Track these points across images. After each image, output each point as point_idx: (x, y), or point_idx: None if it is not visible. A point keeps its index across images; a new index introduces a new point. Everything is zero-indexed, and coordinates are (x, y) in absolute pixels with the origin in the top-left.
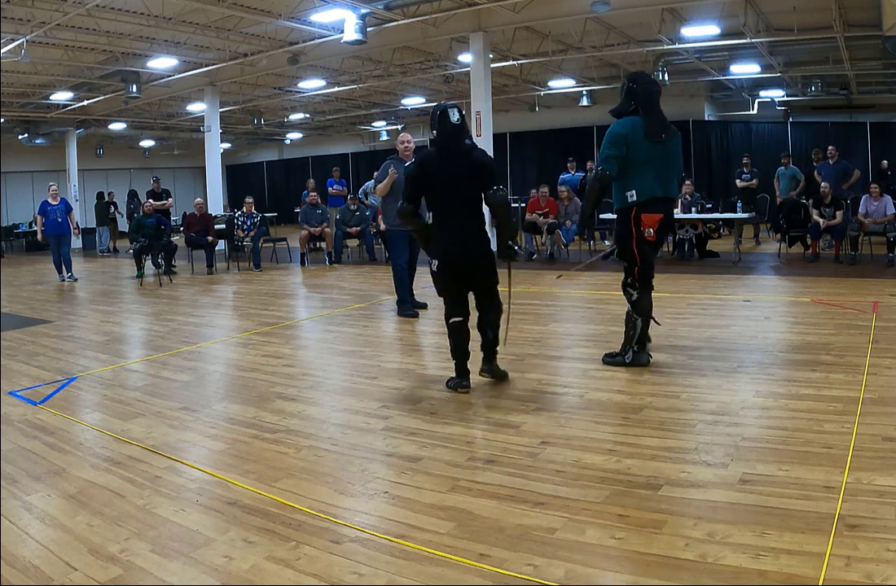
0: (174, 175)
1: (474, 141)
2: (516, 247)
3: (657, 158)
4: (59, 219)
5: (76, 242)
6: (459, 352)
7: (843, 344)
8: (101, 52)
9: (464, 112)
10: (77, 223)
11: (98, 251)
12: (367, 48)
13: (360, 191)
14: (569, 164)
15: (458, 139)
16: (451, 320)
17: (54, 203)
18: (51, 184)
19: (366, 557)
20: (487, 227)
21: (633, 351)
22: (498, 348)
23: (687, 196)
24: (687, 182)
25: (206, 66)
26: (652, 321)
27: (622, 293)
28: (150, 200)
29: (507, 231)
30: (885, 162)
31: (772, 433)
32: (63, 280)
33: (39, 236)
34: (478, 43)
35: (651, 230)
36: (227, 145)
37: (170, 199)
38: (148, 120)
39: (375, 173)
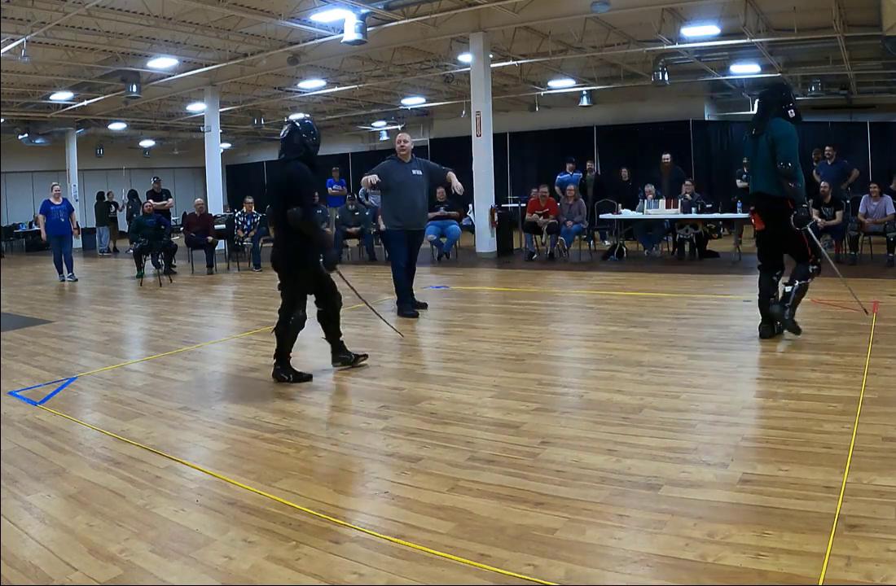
0: (174, 175)
1: (301, 155)
2: (326, 259)
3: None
4: (62, 219)
5: (76, 242)
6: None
7: (843, 344)
8: (101, 52)
9: (298, 126)
10: (77, 224)
11: (98, 251)
12: (367, 48)
13: (361, 191)
14: (568, 166)
15: (281, 153)
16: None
17: (57, 203)
18: (53, 183)
19: (366, 557)
20: None
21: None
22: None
23: (687, 196)
24: (687, 182)
25: (206, 66)
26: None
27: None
28: (150, 200)
29: (316, 245)
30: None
31: (772, 433)
32: (63, 280)
33: (43, 235)
34: (478, 43)
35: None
36: (227, 145)
37: (170, 200)
38: (148, 120)
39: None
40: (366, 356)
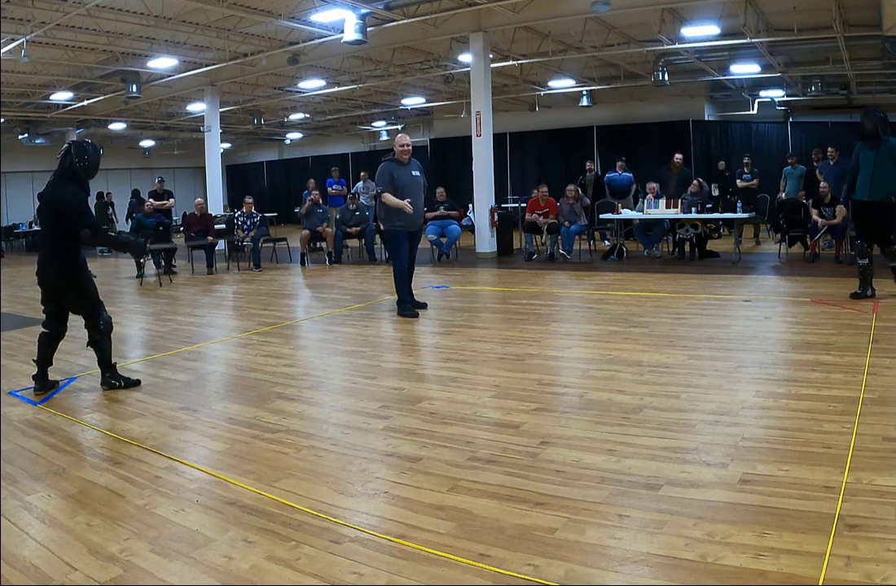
0: (174, 175)
1: (71, 178)
2: (133, 251)
3: None
4: None
5: None
6: (40, 359)
7: (843, 344)
8: (101, 52)
9: (71, 149)
10: None
11: (98, 251)
12: (367, 48)
13: (353, 191)
14: (618, 164)
15: (55, 173)
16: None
17: None
18: None
19: (366, 557)
20: None
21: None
22: (108, 364)
23: (687, 195)
24: (695, 181)
25: (206, 66)
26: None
27: (891, 255)
28: (151, 200)
29: (122, 250)
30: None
31: (772, 433)
32: None
33: None
34: (478, 43)
35: None
36: (227, 145)
37: (171, 200)
38: (148, 120)
39: (362, 173)
40: (139, 381)
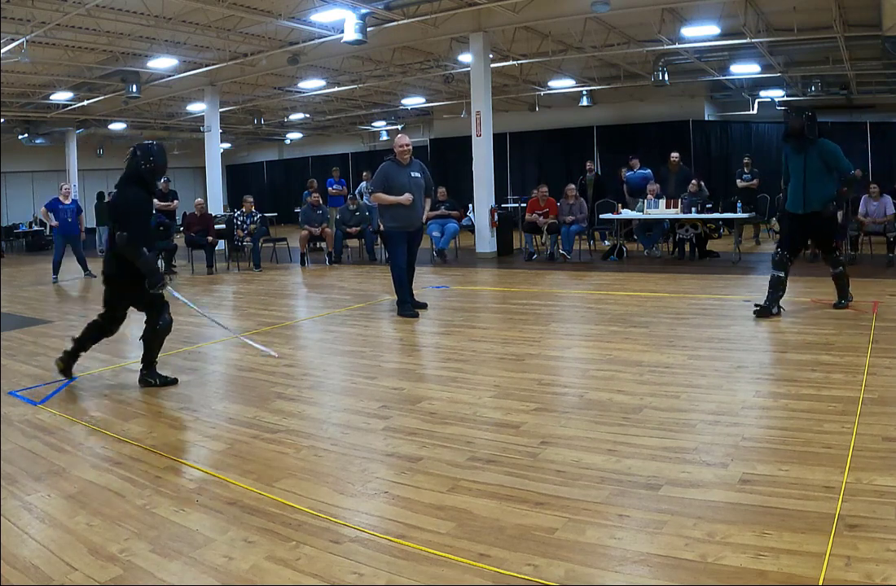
0: (174, 175)
1: (136, 180)
2: (150, 283)
3: None
4: (70, 219)
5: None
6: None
7: (843, 344)
8: (101, 52)
9: (137, 151)
10: (84, 226)
11: (98, 251)
12: (367, 48)
13: (356, 191)
14: (631, 162)
15: (122, 176)
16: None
17: (66, 202)
18: (63, 183)
19: (366, 557)
20: None
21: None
22: (151, 362)
23: (692, 189)
24: (693, 181)
25: (206, 66)
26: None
27: (835, 262)
28: (155, 200)
29: (141, 269)
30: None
31: (772, 433)
32: (56, 281)
33: (54, 223)
34: (478, 43)
35: None
36: (227, 145)
37: (175, 201)
38: (148, 120)
39: (364, 173)
40: (176, 380)
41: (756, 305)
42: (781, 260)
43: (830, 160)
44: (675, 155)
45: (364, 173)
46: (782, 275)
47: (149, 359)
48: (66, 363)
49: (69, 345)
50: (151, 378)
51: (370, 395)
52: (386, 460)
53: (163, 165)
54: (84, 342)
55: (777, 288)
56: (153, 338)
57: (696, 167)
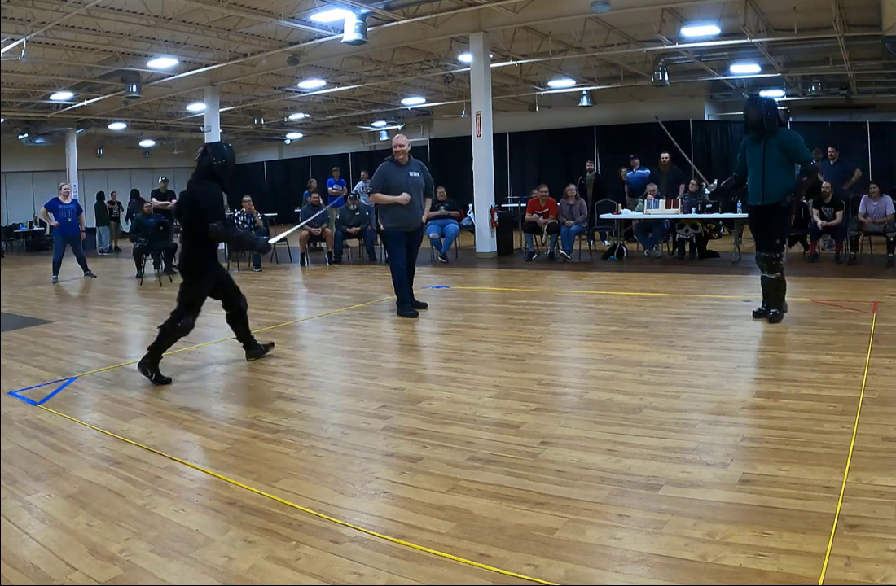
0: (174, 175)
1: (209, 176)
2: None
3: None
4: (69, 219)
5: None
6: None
7: (843, 344)
8: (101, 52)
9: (208, 149)
10: (84, 226)
11: (98, 251)
12: (367, 48)
13: (353, 191)
14: (632, 162)
15: (194, 173)
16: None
17: (66, 202)
18: (63, 183)
19: (366, 557)
20: None
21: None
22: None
23: (686, 196)
24: (693, 182)
25: (206, 66)
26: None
27: (771, 267)
28: (153, 198)
29: (245, 247)
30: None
31: (772, 433)
32: (56, 281)
33: (54, 223)
34: (478, 43)
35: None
36: None
37: (173, 201)
38: (148, 120)
39: (362, 172)
40: (272, 344)
41: (770, 314)
42: (775, 261)
43: (791, 150)
44: (664, 155)
45: (362, 173)
46: (777, 275)
47: (155, 350)
48: (255, 353)
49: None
50: (151, 369)
51: (370, 395)
52: (386, 460)
53: (232, 161)
54: (242, 330)
55: (779, 290)
56: (168, 332)
57: (695, 167)
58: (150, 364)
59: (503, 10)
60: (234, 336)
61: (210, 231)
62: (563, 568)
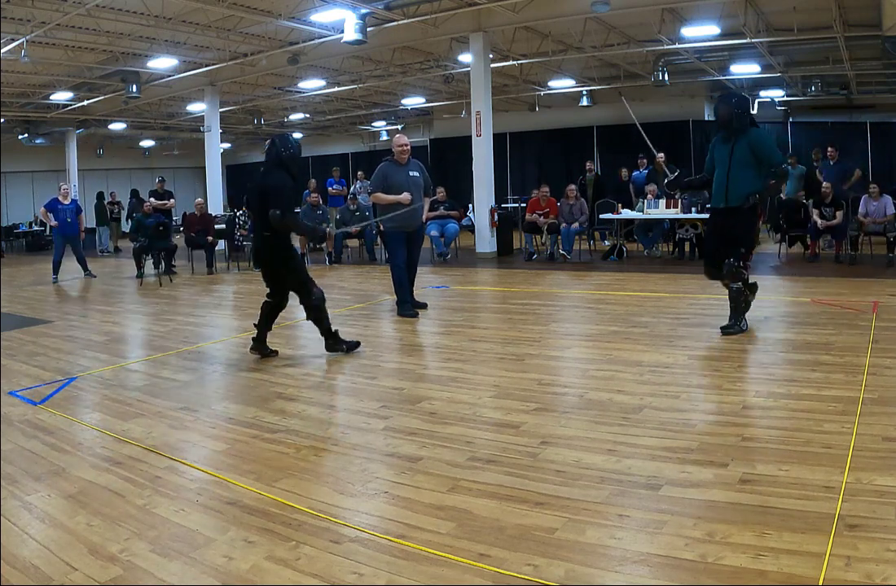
0: (174, 175)
1: (278, 166)
2: (316, 239)
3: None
4: (69, 220)
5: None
6: (259, 322)
7: (843, 344)
8: (101, 52)
9: (276, 141)
10: (84, 226)
11: (98, 251)
12: (367, 48)
13: (351, 192)
14: (639, 162)
15: (264, 164)
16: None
17: (65, 202)
18: (62, 184)
19: (366, 557)
20: None
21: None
22: (329, 332)
23: (686, 196)
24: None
25: (206, 66)
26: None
27: (732, 275)
28: (152, 198)
29: (304, 235)
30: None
31: (772, 433)
32: (56, 281)
33: (53, 223)
34: (478, 43)
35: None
36: (227, 145)
37: (171, 200)
38: (148, 120)
39: (360, 173)
40: (358, 343)
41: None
42: (709, 270)
43: (760, 151)
44: (660, 155)
45: (359, 173)
46: (739, 285)
47: (326, 330)
48: (260, 348)
49: (255, 334)
50: (338, 345)
51: (370, 395)
52: (386, 460)
53: (299, 152)
54: (265, 323)
55: (740, 301)
56: (317, 313)
57: (695, 167)
58: (335, 341)
59: (503, 10)
60: (255, 323)
61: (271, 218)
62: (563, 568)
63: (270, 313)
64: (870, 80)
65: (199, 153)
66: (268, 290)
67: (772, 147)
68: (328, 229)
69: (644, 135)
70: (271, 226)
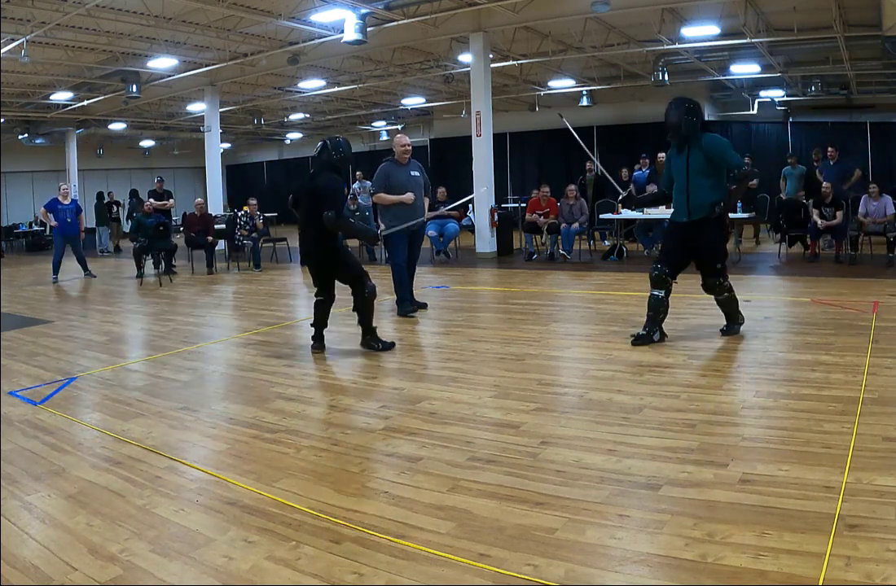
0: (174, 175)
1: (329, 168)
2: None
3: None
4: (69, 220)
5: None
6: (315, 321)
7: (843, 344)
8: (101, 52)
9: (328, 144)
10: (84, 226)
11: (98, 251)
12: (367, 48)
13: (351, 192)
14: (642, 161)
15: (314, 166)
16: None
17: (65, 202)
18: (62, 184)
19: (366, 557)
20: None
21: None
22: (369, 328)
23: None
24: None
25: (206, 66)
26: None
27: (717, 289)
28: (152, 199)
29: (355, 236)
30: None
31: (772, 433)
32: (56, 281)
33: (53, 223)
34: (478, 43)
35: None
36: (227, 145)
37: (171, 200)
38: (148, 120)
39: (358, 173)
40: (393, 344)
41: (633, 336)
42: (660, 277)
43: (715, 157)
44: (661, 155)
45: (358, 173)
46: (662, 294)
47: (367, 325)
48: (320, 343)
49: (313, 333)
50: (374, 342)
51: (370, 395)
52: (386, 460)
53: (350, 155)
54: (320, 321)
55: (657, 310)
56: (366, 306)
57: (602, 169)
58: (372, 338)
59: (503, 10)
60: (311, 323)
61: (325, 219)
62: (563, 568)
63: (322, 309)
64: (870, 80)
65: (199, 153)
66: (315, 289)
67: (725, 151)
68: (379, 230)
69: (581, 142)
70: (325, 227)
